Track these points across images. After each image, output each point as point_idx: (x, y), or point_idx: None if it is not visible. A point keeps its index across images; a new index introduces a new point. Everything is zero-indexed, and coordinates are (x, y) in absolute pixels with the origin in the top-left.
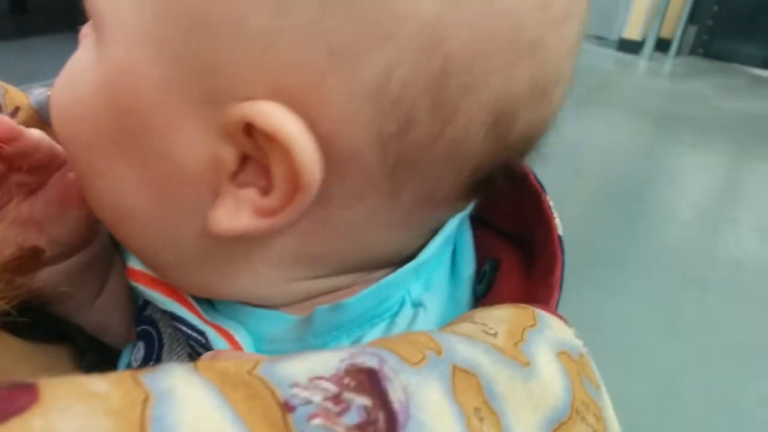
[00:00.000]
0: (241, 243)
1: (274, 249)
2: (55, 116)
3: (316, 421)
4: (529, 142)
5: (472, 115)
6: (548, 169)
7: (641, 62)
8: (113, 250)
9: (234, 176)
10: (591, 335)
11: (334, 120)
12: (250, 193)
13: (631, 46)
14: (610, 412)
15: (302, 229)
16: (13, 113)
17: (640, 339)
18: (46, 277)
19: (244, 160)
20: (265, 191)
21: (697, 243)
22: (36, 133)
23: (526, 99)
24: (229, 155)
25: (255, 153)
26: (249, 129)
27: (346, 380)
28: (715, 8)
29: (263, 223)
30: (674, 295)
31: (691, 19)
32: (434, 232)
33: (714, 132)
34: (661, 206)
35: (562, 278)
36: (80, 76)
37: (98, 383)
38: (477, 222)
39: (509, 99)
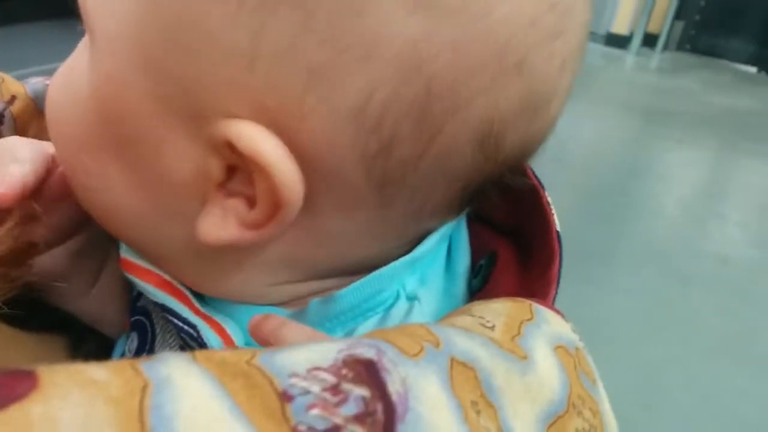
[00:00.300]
0: (230, 249)
1: (262, 255)
2: (50, 114)
3: (315, 411)
4: (521, 157)
5: (457, 134)
6: (535, 163)
7: (629, 57)
8: (109, 240)
9: (222, 186)
10: (576, 328)
11: (316, 139)
12: (237, 204)
13: (618, 41)
14: (606, 406)
15: (291, 238)
16: (10, 102)
17: (626, 332)
18: (41, 262)
19: (231, 170)
20: (252, 202)
21: (683, 238)
22: (25, 156)
23: (515, 117)
24: (215, 166)
25: (241, 165)
26: (232, 145)
27: (344, 371)
28: (702, 3)
29: (249, 235)
30: (660, 290)
31: (679, 14)
32: (425, 237)
33: (701, 127)
34: (647, 201)
35: (559, 274)
36: (76, 78)
37: (98, 371)
38: (472, 217)
39: (496, 118)
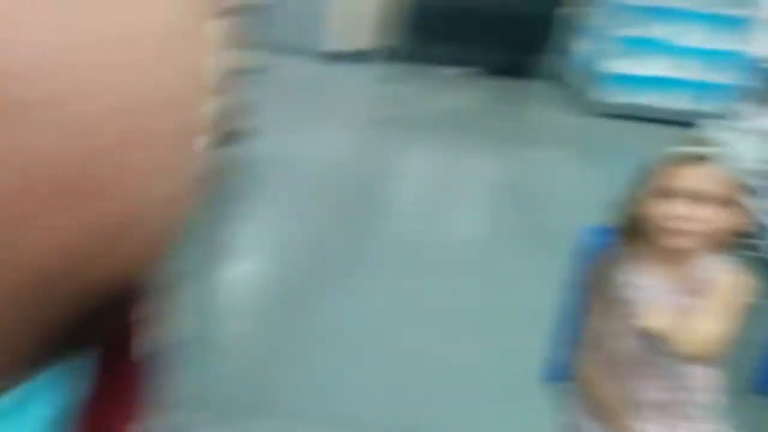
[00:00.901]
0: None
1: None
2: None
3: None
4: (120, 288)
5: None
6: (280, 189)
7: (350, 72)
8: None
9: None
10: (345, 336)
11: None
12: None
13: (338, 58)
14: None
15: None
16: None
17: (383, 328)
18: None
19: None
20: None
21: (424, 230)
22: None
23: (85, 250)
24: None
25: None
26: None
27: None
28: (414, 16)
29: None
30: (410, 282)
31: (394, 27)
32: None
33: (425, 129)
34: (389, 202)
35: (142, 397)
36: None
37: None
38: None
39: (56, 256)
